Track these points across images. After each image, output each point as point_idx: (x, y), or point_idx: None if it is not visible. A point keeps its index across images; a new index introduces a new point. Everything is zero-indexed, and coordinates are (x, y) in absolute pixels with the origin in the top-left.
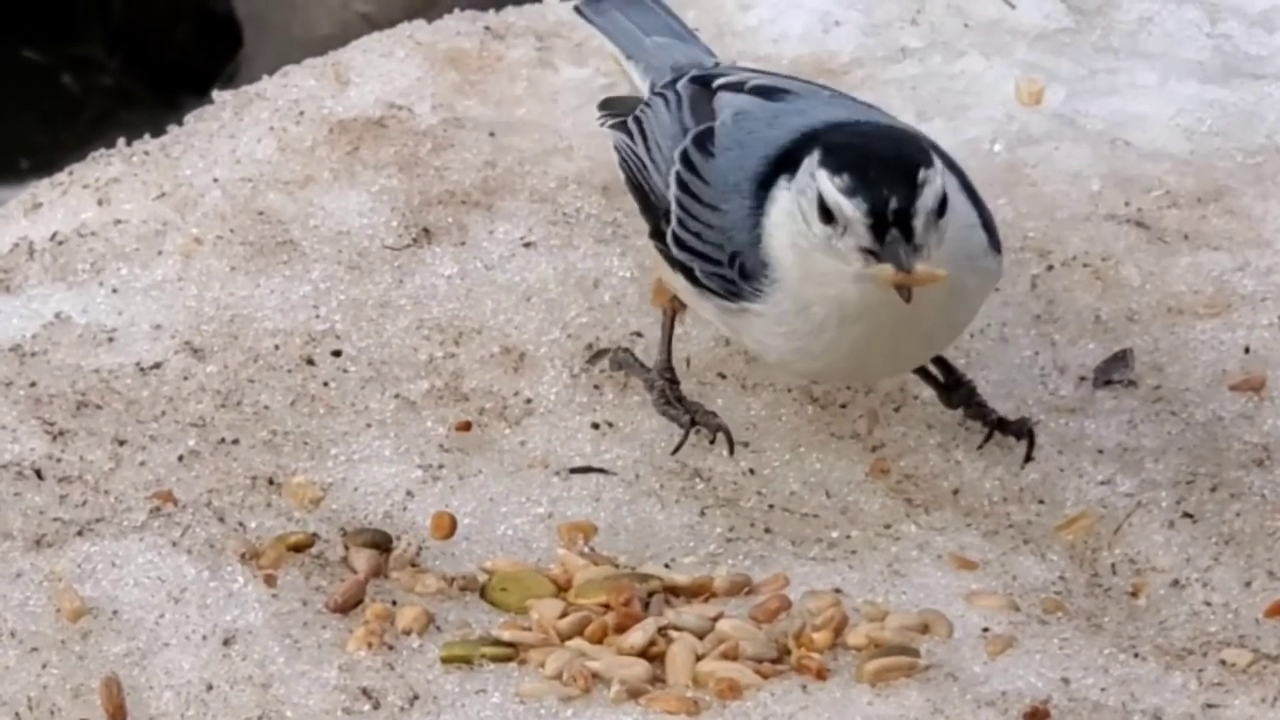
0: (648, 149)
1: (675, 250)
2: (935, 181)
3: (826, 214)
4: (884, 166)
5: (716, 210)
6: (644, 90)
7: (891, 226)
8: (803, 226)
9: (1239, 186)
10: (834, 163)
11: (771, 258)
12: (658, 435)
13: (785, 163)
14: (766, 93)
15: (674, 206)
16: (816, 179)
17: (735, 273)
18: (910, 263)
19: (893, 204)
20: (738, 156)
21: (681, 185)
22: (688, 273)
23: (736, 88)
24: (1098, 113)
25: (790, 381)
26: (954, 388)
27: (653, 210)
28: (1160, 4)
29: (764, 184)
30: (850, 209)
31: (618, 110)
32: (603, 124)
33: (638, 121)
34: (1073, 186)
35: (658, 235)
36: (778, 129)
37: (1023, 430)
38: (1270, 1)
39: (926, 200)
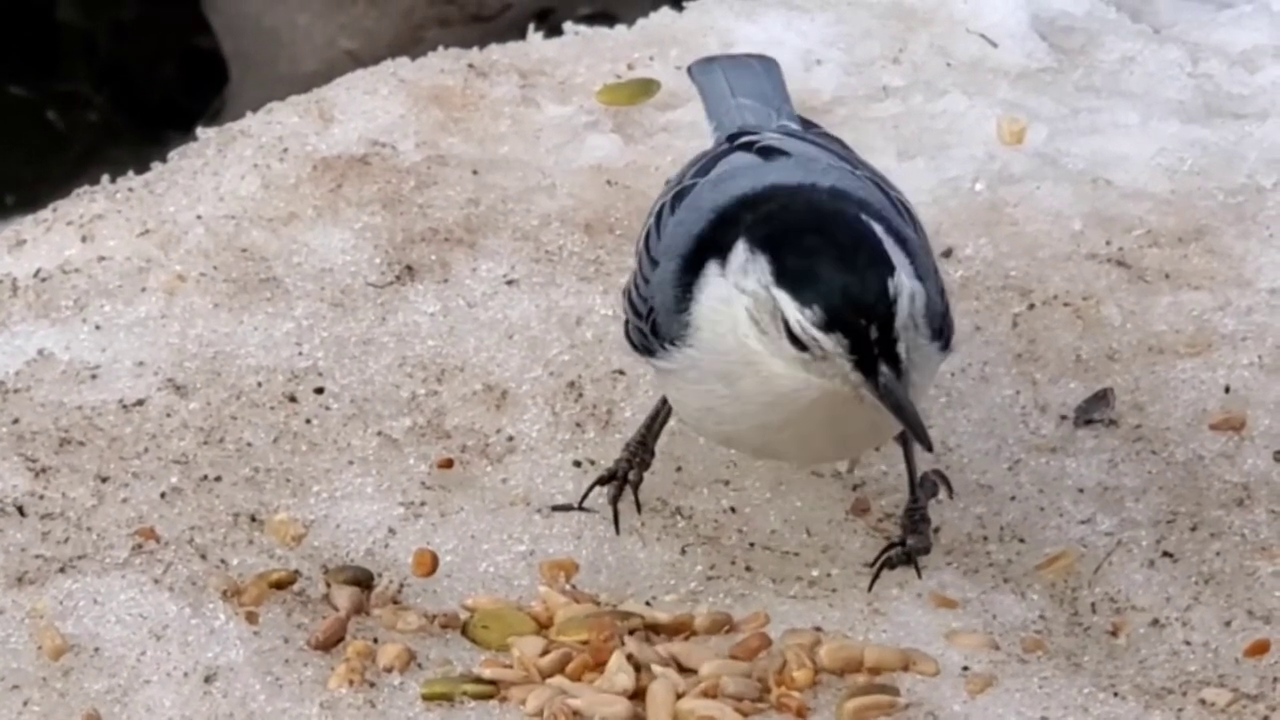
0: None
1: (622, 301)
2: (904, 286)
3: (796, 340)
4: (852, 290)
5: (656, 266)
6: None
7: (878, 359)
8: (758, 334)
9: (1220, 226)
10: (796, 287)
11: (697, 328)
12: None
13: (719, 228)
14: (766, 153)
15: (634, 260)
16: (778, 302)
17: (648, 328)
18: (905, 396)
19: (873, 334)
20: (689, 217)
21: (645, 239)
22: (624, 325)
23: (748, 146)
24: (1079, 152)
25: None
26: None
27: None
28: (1142, 43)
29: (699, 249)
30: (830, 344)
31: None
32: None
33: (670, 181)
34: (1054, 225)
35: None
36: (719, 193)
37: (909, 557)
38: (1251, 41)
39: (903, 314)
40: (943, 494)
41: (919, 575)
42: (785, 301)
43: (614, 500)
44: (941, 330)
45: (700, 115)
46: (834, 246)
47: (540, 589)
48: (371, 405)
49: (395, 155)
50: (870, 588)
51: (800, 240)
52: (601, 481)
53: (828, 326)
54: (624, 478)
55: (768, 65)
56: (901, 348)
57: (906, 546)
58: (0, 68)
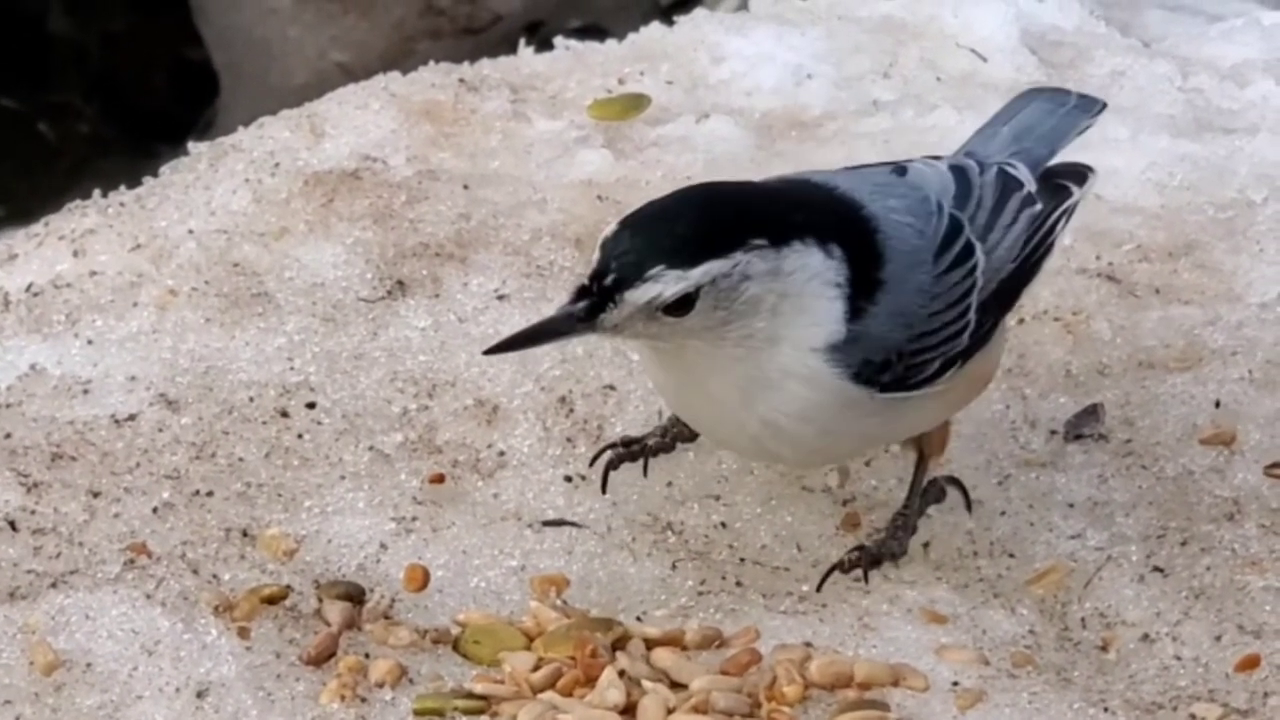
0: None
1: None
2: (672, 287)
3: None
4: (628, 234)
5: None
6: None
7: (587, 293)
8: None
9: (1210, 240)
10: (631, 214)
11: None
12: (630, 488)
13: None
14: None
15: None
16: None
17: None
18: (553, 329)
19: (609, 279)
20: None
21: None
22: None
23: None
24: None
25: None
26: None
27: None
28: (1132, 58)
29: None
30: (590, 258)
31: None
32: None
33: None
34: None
35: None
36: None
37: (870, 560)
38: (1241, 56)
39: (637, 294)
40: (948, 502)
41: (866, 582)
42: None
43: (611, 464)
44: (872, 378)
45: (690, 129)
46: (676, 210)
47: (531, 604)
48: (363, 420)
49: (386, 170)
50: (819, 588)
51: (686, 207)
52: (616, 445)
53: (600, 244)
54: (643, 446)
55: (1071, 108)
56: (612, 309)
57: (866, 549)
58: None
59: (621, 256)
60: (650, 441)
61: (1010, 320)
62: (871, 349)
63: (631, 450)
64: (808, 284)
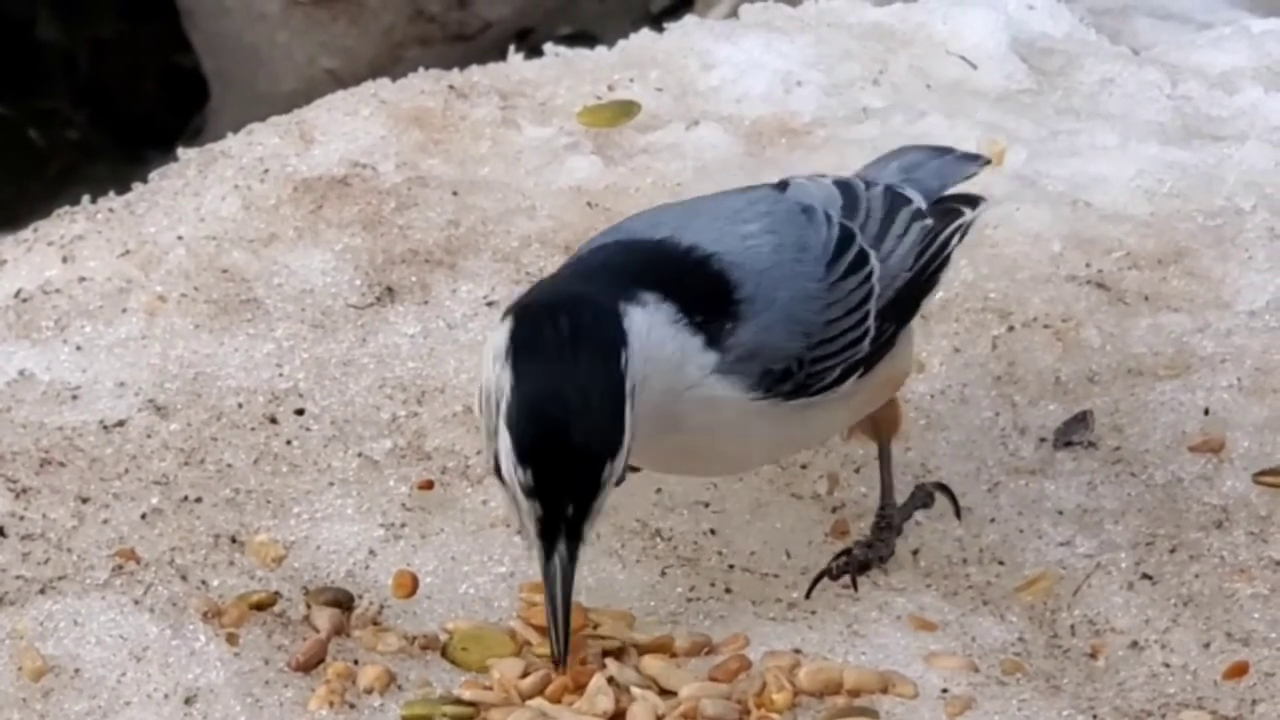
0: None
1: None
2: (618, 464)
3: (499, 472)
4: (563, 468)
5: None
6: None
7: (560, 535)
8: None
9: (1199, 248)
10: (517, 428)
11: None
12: (619, 495)
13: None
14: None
15: None
16: (500, 435)
17: None
18: (563, 587)
19: (569, 512)
20: None
21: None
22: None
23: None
24: (1059, 174)
25: None
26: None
27: None
28: (1121, 65)
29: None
30: (527, 508)
31: None
32: None
33: None
34: (1034, 247)
35: None
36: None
37: (857, 566)
38: (1230, 63)
39: (603, 503)
40: (937, 509)
41: (854, 589)
42: (506, 443)
43: None
44: (773, 387)
45: (680, 136)
46: (568, 398)
47: (519, 610)
48: (352, 427)
49: (376, 176)
50: (808, 595)
51: (540, 361)
52: None
53: (530, 493)
54: None
55: (956, 157)
56: (588, 527)
57: (853, 554)
58: None
59: (568, 486)
60: None
61: (1000, 328)
62: (771, 359)
63: None
64: (648, 340)
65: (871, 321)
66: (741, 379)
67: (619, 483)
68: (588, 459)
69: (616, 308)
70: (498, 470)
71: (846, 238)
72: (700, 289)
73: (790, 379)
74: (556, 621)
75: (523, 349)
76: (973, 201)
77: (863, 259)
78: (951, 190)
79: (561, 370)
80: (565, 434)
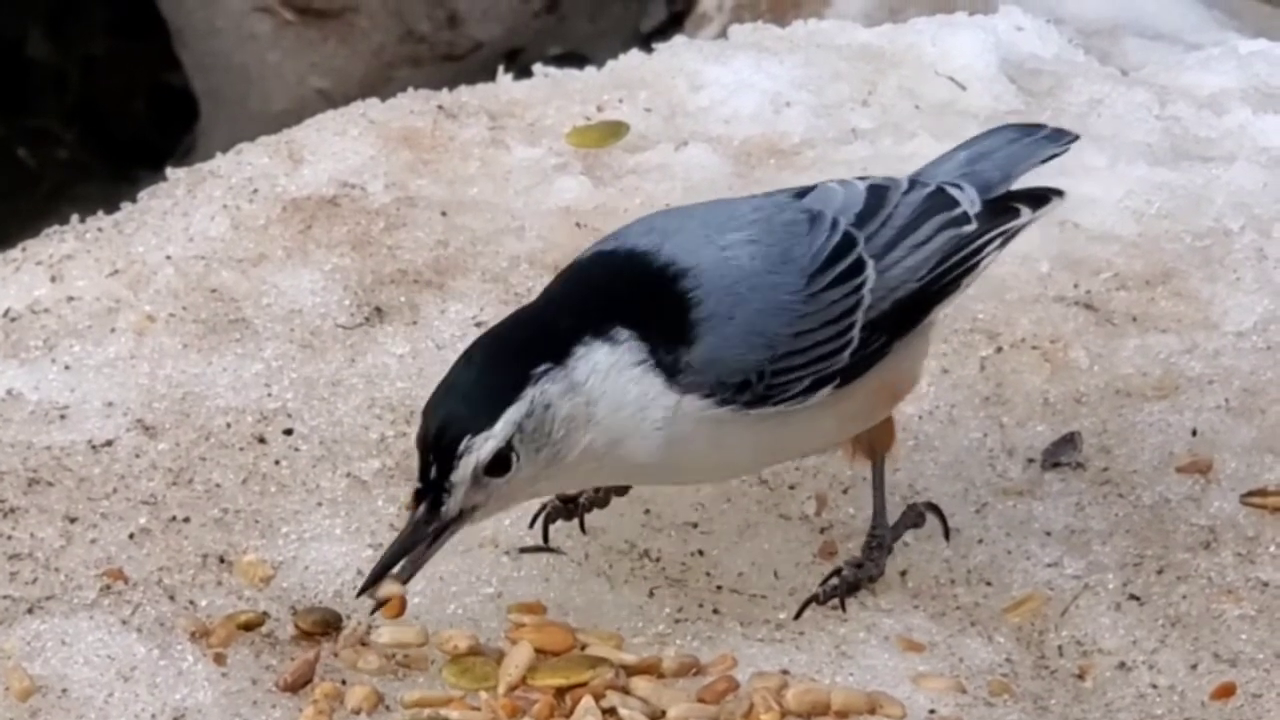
0: None
1: None
2: (482, 449)
3: None
4: (432, 423)
5: None
6: None
7: (427, 495)
8: None
9: (1187, 269)
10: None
11: None
12: (607, 516)
13: None
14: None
15: None
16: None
17: None
18: (411, 545)
19: (431, 473)
20: None
21: None
22: None
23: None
24: None
25: None
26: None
27: None
28: (1110, 86)
29: None
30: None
31: None
32: None
33: None
34: (1021, 268)
35: None
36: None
37: (846, 588)
38: (1219, 84)
39: (463, 471)
40: (926, 530)
41: (844, 610)
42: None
43: (549, 519)
44: (729, 398)
45: (669, 157)
46: (460, 377)
47: (507, 631)
48: (340, 447)
49: (365, 196)
50: (797, 616)
51: (453, 370)
52: (554, 502)
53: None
54: (578, 504)
55: (1039, 138)
56: (452, 501)
57: (843, 575)
58: None
59: (435, 445)
60: (583, 499)
61: (987, 349)
62: (726, 372)
63: (568, 507)
64: (607, 381)
65: (856, 332)
66: (699, 392)
67: (495, 472)
68: (442, 430)
69: (569, 340)
70: None
71: (844, 246)
72: (667, 312)
73: (748, 389)
74: (386, 559)
75: (455, 365)
76: (1040, 199)
77: (856, 269)
78: (1031, 169)
79: (461, 371)
80: (433, 409)
